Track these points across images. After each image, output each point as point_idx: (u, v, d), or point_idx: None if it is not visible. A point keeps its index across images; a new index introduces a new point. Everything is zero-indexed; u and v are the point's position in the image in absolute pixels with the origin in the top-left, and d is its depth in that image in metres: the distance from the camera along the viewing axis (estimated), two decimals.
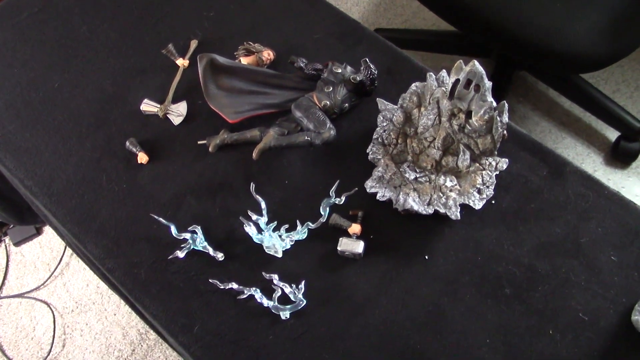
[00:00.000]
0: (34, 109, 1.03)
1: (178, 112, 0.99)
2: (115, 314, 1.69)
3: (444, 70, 0.91)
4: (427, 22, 2.13)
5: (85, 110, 1.02)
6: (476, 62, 0.84)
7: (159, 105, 0.99)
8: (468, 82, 0.86)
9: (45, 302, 1.73)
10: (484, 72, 0.84)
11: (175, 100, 1.00)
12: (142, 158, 0.95)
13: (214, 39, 1.07)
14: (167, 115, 0.99)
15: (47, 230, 1.86)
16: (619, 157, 1.88)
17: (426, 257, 0.87)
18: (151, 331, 1.65)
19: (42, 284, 1.76)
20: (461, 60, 0.86)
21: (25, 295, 1.74)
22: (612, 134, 1.91)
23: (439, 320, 0.83)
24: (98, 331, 1.68)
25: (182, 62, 1.03)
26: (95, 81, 1.05)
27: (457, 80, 0.86)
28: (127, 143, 0.96)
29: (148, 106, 0.99)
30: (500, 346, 0.81)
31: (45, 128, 1.01)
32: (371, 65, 0.94)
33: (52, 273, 1.76)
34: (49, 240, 1.85)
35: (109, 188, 0.95)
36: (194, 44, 1.05)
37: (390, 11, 2.17)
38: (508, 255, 0.86)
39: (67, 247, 1.81)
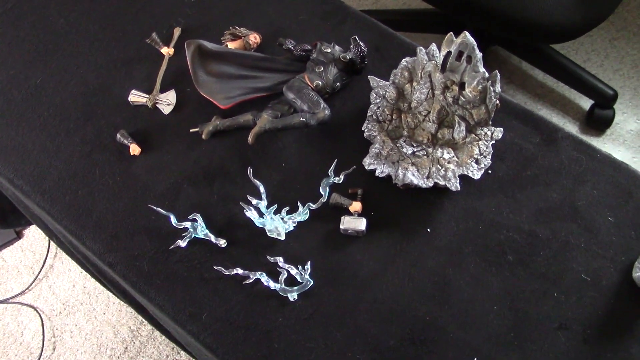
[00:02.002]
0: (17, 107, 1.00)
1: (167, 101, 0.98)
2: (104, 313, 1.67)
3: (434, 44, 0.92)
4: (397, 2, 2.14)
5: (71, 105, 1.00)
6: (467, 34, 0.85)
7: (147, 96, 0.98)
8: (459, 54, 0.86)
9: (32, 306, 1.70)
10: (475, 43, 0.85)
11: (163, 90, 0.99)
12: (135, 149, 0.94)
13: (197, 26, 1.06)
14: (157, 105, 0.98)
15: (28, 233, 1.82)
16: (593, 124, 1.92)
17: (428, 229, 0.88)
18: (143, 327, 1.64)
19: (27, 288, 1.72)
20: (451, 33, 0.87)
21: (10, 300, 1.71)
22: (586, 103, 1.95)
23: (446, 290, 0.84)
24: (88, 331, 1.66)
25: (167, 51, 1.01)
26: (78, 75, 1.02)
27: (449, 53, 0.87)
28: (118, 135, 0.94)
29: (136, 97, 0.98)
30: (507, 311, 0.82)
31: (31, 125, 0.99)
32: (361, 43, 0.94)
33: (37, 276, 1.73)
34: (31, 244, 1.81)
35: (102, 182, 0.93)
36: (177, 31, 1.04)
37: None
38: (508, 223, 0.88)
39: (49, 250, 1.78)
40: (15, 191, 0.95)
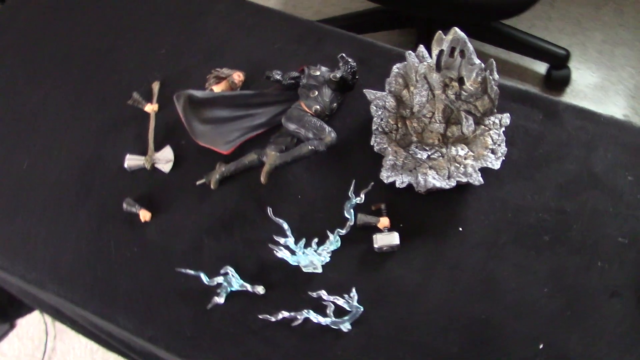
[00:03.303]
0: (10, 197, 0.96)
1: (165, 159, 0.95)
2: None
3: (422, 46, 0.91)
4: (337, 7, 2.15)
5: (66, 182, 0.96)
6: (457, 29, 0.85)
7: (143, 158, 0.95)
8: (452, 51, 0.86)
9: None
10: (465, 37, 0.85)
11: (158, 148, 0.96)
12: (145, 215, 0.90)
13: (175, 75, 1.03)
14: (155, 165, 0.94)
15: (21, 322, 1.75)
16: (553, 86, 1.97)
17: (460, 229, 0.87)
18: None
19: None
20: (440, 32, 0.87)
21: None
22: (541, 67, 1.99)
23: (493, 285, 0.84)
24: None
25: (151, 108, 0.98)
26: (66, 150, 0.98)
27: (441, 51, 0.87)
28: (124, 205, 0.91)
29: (132, 161, 0.94)
30: (558, 292, 0.83)
31: (29, 212, 0.94)
32: (349, 59, 0.93)
33: None
34: (27, 331, 1.74)
35: (120, 255, 0.89)
36: (156, 85, 1.01)
37: (298, 6, 2.17)
38: (534, 205, 0.88)
39: (48, 333, 1.71)
40: (28, 286, 0.91)
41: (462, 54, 0.86)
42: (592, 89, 1.96)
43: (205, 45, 1.05)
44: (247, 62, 1.02)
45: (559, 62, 1.92)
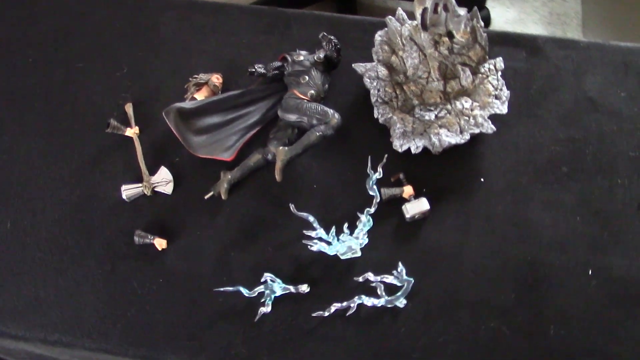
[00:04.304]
0: (9, 261, 0.87)
1: (164, 180, 0.89)
2: None
3: (400, 9, 0.90)
4: None
5: (61, 232, 0.88)
6: None
7: (140, 184, 0.88)
8: (435, 7, 0.86)
9: None
10: None
11: (152, 171, 0.90)
12: (161, 244, 0.85)
13: (144, 93, 0.96)
14: (156, 190, 0.88)
15: None
16: None
17: (482, 179, 0.87)
18: None
19: None
20: None
21: None
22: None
23: (527, 225, 0.85)
24: None
25: (132, 132, 0.92)
26: (49, 198, 0.90)
27: (425, 10, 0.86)
28: (136, 238, 0.85)
29: (130, 191, 0.88)
30: (590, 216, 0.84)
31: (28, 274, 0.86)
32: (331, 37, 0.90)
33: None
34: None
35: (146, 291, 0.83)
36: (129, 107, 0.94)
37: None
38: (545, 140, 0.89)
39: None
40: (53, 349, 0.83)
41: (446, 7, 0.85)
42: (511, 23, 2.01)
43: (168, 56, 0.99)
44: (218, 63, 0.97)
45: (476, 4, 1.96)
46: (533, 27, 2.01)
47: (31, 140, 0.94)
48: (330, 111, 0.86)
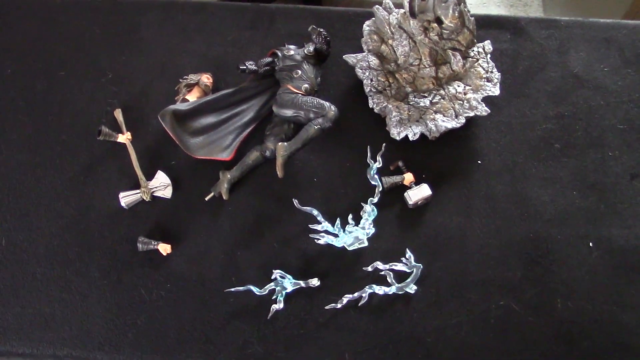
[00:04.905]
0: (5, 279, 0.85)
1: (162, 185, 0.88)
2: None
3: None
4: None
5: (60, 245, 0.86)
6: None
7: (138, 191, 0.87)
8: None
9: None
10: None
11: (149, 176, 0.88)
12: (165, 249, 0.84)
13: (132, 97, 0.95)
14: (154, 194, 0.87)
15: None
16: None
17: (479, 162, 0.89)
18: None
19: None
20: None
21: None
22: None
23: (527, 203, 0.86)
24: None
25: (125, 137, 0.90)
26: (44, 212, 0.88)
27: None
28: (139, 245, 0.83)
29: (128, 198, 0.87)
30: (587, 190, 0.87)
31: (34, 286, 0.84)
32: (321, 30, 0.90)
33: None
34: None
35: (155, 297, 0.82)
36: (118, 113, 0.92)
37: None
38: (536, 118, 0.91)
39: None
40: None
41: None
42: (475, 7, 2.04)
43: (152, 58, 0.98)
44: (205, 63, 0.96)
45: None
46: (496, 9, 2.04)
47: (19, 155, 0.92)
48: (327, 104, 0.86)
